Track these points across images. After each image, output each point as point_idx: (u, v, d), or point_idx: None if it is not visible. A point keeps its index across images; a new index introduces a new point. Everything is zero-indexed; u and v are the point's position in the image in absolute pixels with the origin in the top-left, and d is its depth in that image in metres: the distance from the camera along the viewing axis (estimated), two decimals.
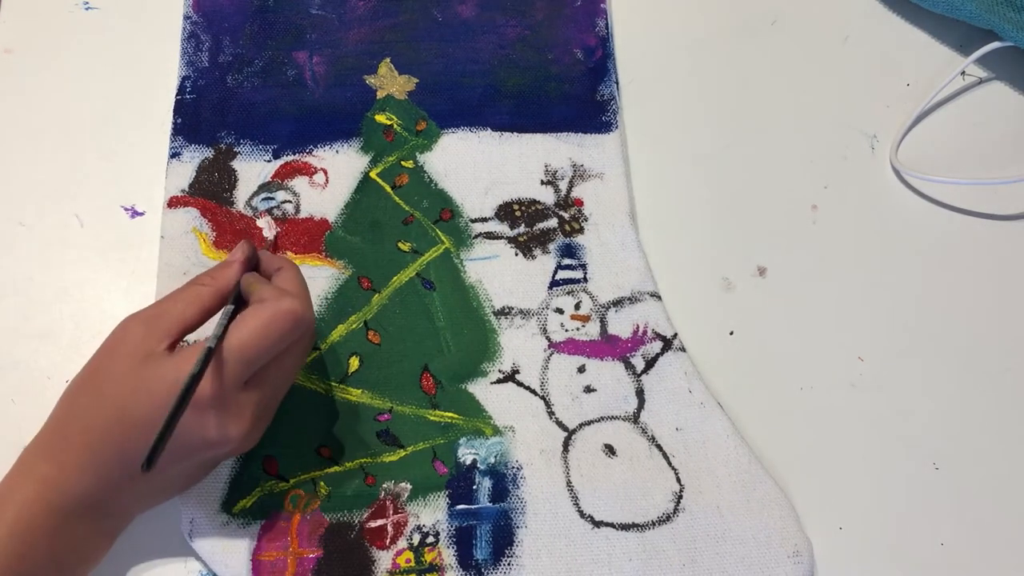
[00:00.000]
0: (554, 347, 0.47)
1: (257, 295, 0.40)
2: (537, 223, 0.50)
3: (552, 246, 0.49)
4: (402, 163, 0.51)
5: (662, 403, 0.46)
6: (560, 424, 0.45)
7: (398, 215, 0.50)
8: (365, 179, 0.51)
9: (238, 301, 0.41)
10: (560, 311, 0.48)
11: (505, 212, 0.50)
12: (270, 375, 0.40)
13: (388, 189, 0.51)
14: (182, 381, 0.36)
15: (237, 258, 0.42)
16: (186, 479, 0.42)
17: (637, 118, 0.54)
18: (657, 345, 0.47)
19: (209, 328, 0.40)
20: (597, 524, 0.43)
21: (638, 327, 0.48)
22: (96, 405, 0.37)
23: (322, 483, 0.44)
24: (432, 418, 0.45)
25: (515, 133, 0.52)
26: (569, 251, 0.49)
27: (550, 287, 0.48)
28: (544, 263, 0.49)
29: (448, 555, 0.42)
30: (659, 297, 0.48)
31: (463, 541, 0.43)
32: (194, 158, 0.51)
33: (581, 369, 0.47)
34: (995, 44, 0.53)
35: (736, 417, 0.46)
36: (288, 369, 0.41)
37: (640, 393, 0.46)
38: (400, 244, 0.49)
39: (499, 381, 0.46)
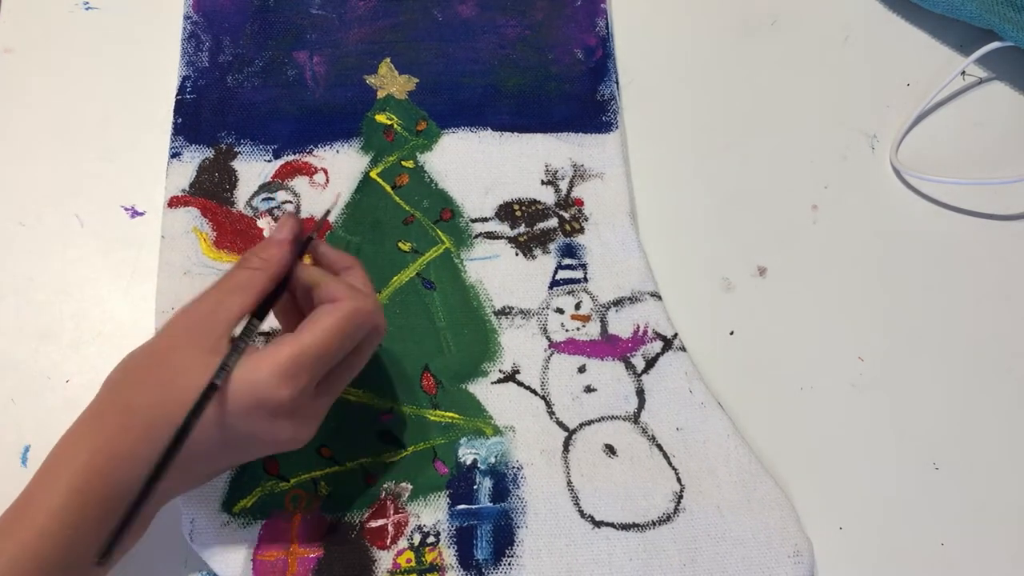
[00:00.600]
0: (554, 347, 0.47)
1: (327, 292, 0.39)
2: (537, 223, 0.50)
3: (552, 246, 0.49)
4: (402, 163, 0.51)
5: (662, 403, 0.46)
6: (560, 424, 0.45)
7: (398, 215, 0.50)
8: (365, 179, 0.51)
9: (270, 299, 0.39)
10: (560, 311, 0.48)
11: (505, 212, 0.50)
12: (339, 377, 0.39)
13: (388, 189, 0.51)
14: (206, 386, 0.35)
15: (284, 236, 0.40)
16: (224, 469, 0.41)
17: (637, 118, 0.54)
18: (657, 345, 0.47)
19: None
20: (597, 524, 0.43)
21: (638, 327, 0.48)
22: (163, 396, 0.36)
23: (323, 483, 0.44)
24: (433, 418, 0.45)
25: (515, 133, 0.52)
26: (569, 251, 0.49)
27: (550, 287, 0.48)
28: (544, 263, 0.49)
29: (449, 555, 0.42)
30: (659, 297, 0.48)
31: (464, 541, 0.43)
32: (194, 158, 0.51)
33: (581, 369, 0.47)
34: (995, 44, 0.53)
35: (736, 417, 0.46)
36: (355, 369, 0.41)
37: (640, 393, 0.46)
38: (400, 244, 0.49)
39: (500, 381, 0.46)
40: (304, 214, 0.50)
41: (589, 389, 0.46)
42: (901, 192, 0.52)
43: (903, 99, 0.55)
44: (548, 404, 0.46)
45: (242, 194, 0.50)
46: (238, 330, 0.38)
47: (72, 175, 0.51)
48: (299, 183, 0.51)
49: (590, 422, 0.45)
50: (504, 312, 0.48)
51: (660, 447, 0.45)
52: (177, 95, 0.53)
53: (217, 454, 0.37)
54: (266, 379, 0.36)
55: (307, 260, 0.42)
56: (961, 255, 0.51)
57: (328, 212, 0.44)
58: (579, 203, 0.50)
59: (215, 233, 0.49)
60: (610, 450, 0.45)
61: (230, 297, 0.38)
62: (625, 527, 0.43)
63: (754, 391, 0.47)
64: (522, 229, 0.50)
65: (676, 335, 0.47)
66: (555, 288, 0.48)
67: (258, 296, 0.38)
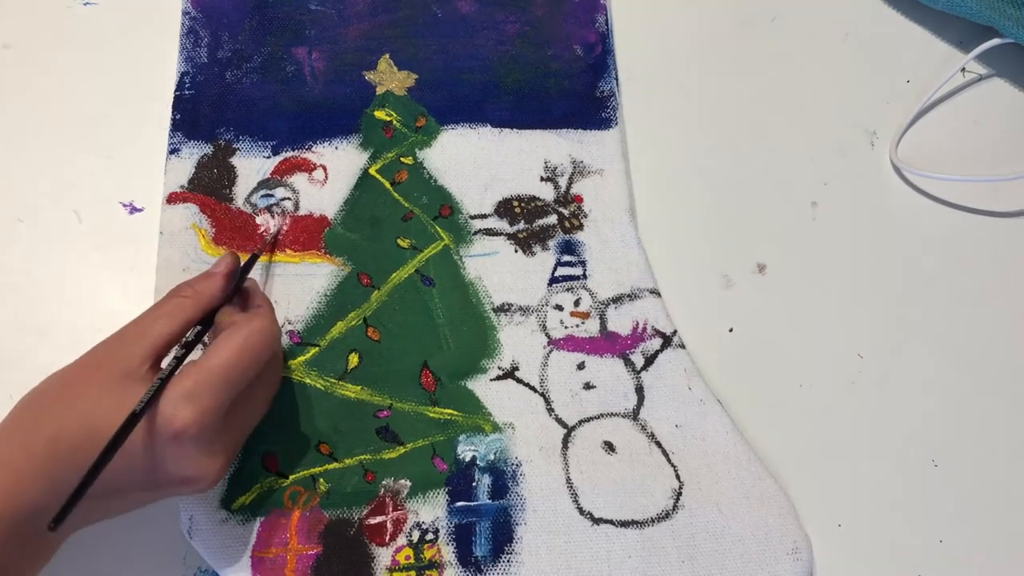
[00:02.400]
0: (553, 344, 0.47)
1: (227, 322, 0.40)
2: (537, 219, 0.50)
3: (552, 243, 0.49)
4: (401, 159, 0.51)
5: (662, 400, 0.46)
6: (560, 421, 0.45)
7: (397, 211, 0.50)
8: (364, 176, 0.51)
9: (207, 324, 0.40)
10: (560, 308, 0.48)
11: (505, 208, 0.50)
12: (245, 408, 0.40)
13: (387, 185, 0.50)
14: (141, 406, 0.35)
15: (220, 270, 0.42)
16: (138, 505, 0.40)
17: (637, 114, 0.54)
18: (657, 342, 0.47)
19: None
20: (596, 521, 0.43)
21: (637, 324, 0.48)
22: (69, 418, 0.36)
23: (321, 480, 0.44)
24: (431, 415, 0.45)
25: (515, 129, 0.52)
26: (569, 248, 0.49)
27: (549, 284, 0.48)
28: (543, 260, 0.49)
29: (448, 552, 0.42)
30: (659, 294, 0.48)
31: (463, 538, 0.43)
32: (193, 154, 0.51)
33: (581, 366, 0.47)
34: (995, 41, 0.53)
35: (735, 414, 0.46)
36: (260, 403, 0.41)
37: (640, 390, 0.46)
38: (399, 241, 0.49)
39: (499, 378, 0.46)
40: (303, 211, 0.50)
41: (588, 386, 0.46)
42: (901, 189, 0.52)
43: (903, 96, 0.55)
44: (547, 401, 0.46)
45: (241, 190, 0.50)
46: (166, 362, 0.38)
47: (70, 171, 0.51)
48: (298, 179, 0.50)
49: (589, 419, 0.45)
50: (503, 309, 0.48)
51: (659, 444, 0.45)
52: (176, 91, 0.52)
53: (124, 483, 0.37)
54: (169, 402, 0.36)
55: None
56: (961, 252, 0.51)
57: (274, 238, 0.47)
58: (578, 200, 0.50)
59: (214, 229, 0.49)
60: (609, 447, 0.45)
61: (155, 324, 0.38)
62: (624, 524, 0.43)
63: (753, 388, 0.47)
64: (521, 226, 0.50)
65: (675, 332, 0.47)
66: (554, 285, 0.48)
67: (184, 323, 0.39)
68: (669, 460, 0.44)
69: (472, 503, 0.43)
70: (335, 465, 0.44)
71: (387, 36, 0.54)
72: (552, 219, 0.50)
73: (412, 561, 0.42)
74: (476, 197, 0.50)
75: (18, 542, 0.36)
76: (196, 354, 0.41)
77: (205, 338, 0.41)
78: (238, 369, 0.37)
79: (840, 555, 0.44)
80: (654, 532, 0.43)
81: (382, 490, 0.44)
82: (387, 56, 0.54)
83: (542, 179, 0.51)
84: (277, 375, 0.43)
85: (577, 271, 0.49)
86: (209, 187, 0.50)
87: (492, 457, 0.44)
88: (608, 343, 0.47)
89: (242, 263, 0.44)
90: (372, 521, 0.43)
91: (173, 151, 0.51)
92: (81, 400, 0.36)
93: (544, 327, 0.47)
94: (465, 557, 0.42)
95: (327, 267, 0.48)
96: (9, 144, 0.52)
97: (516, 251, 0.49)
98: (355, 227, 0.49)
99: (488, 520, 0.43)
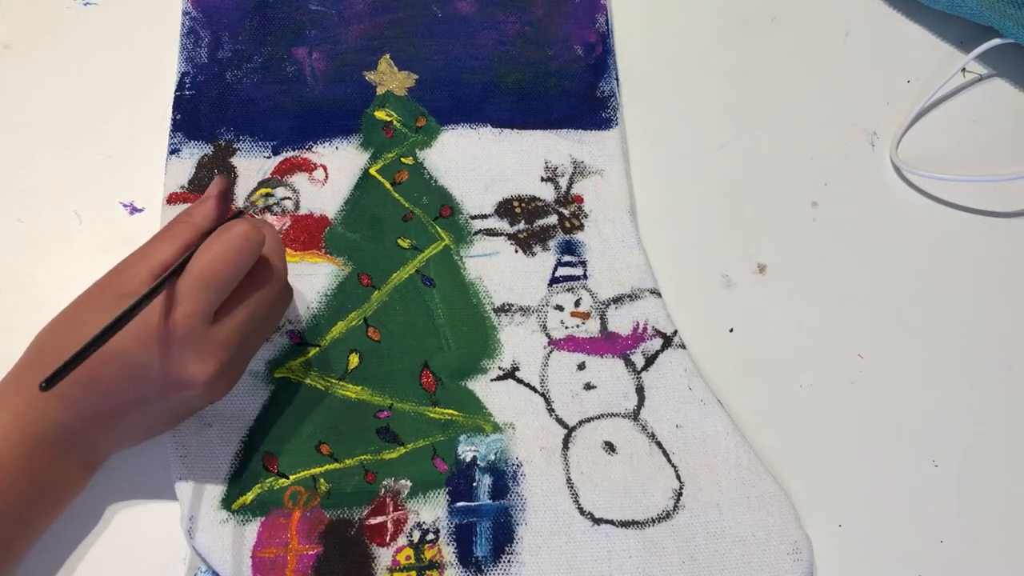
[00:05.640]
0: (554, 344, 0.47)
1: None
2: (537, 220, 0.50)
3: (552, 243, 0.49)
4: (402, 159, 0.51)
5: (662, 400, 0.46)
6: (560, 421, 0.45)
7: (398, 212, 0.50)
8: (365, 176, 0.51)
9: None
10: (560, 308, 0.48)
11: (505, 209, 0.50)
12: (237, 314, 0.40)
13: (388, 186, 0.50)
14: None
15: (213, 194, 0.42)
16: (158, 423, 0.42)
17: (637, 114, 0.54)
18: (657, 342, 0.47)
19: None
20: (597, 521, 0.43)
21: (638, 324, 0.48)
22: (73, 337, 0.37)
23: (322, 480, 0.44)
24: (432, 415, 0.45)
25: (515, 129, 0.52)
26: (569, 248, 0.49)
27: (550, 284, 0.48)
28: (544, 260, 0.49)
29: (448, 552, 0.42)
30: (659, 294, 0.48)
31: (463, 538, 0.43)
32: (193, 154, 0.51)
33: (581, 366, 0.47)
34: (995, 41, 0.53)
35: (736, 414, 0.46)
36: (257, 312, 0.41)
37: (640, 390, 0.46)
38: (400, 241, 0.49)
39: (499, 378, 0.46)
40: (303, 210, 0.50)
41: (589, 386, 0.46)
42: (901, 189, 0.52)
43: (903, 96, 0.55)
44: (548, 401, 0.46)
45: (241, 190, 0.50)
46: None
47: (71, 172, 0.51)
48: (298, 179, 0.50)
49: (590, 419, 0.45)
50: (504, 309, 0.48)
51: (660, 444, 0.45)
52: (176, 91, 0.52)
53: (124, 388, 0.38)
54: (156, 306, 0.37)
55: None
56: (961, 252, 0.51)
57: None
58: (579, 200, 0.50)
59: None
60: (609, 447, 0.45)
61: (154, 248, 0.39)
62: (624, 524, 0.43)
63: (753, 388, 0.47)
64: (522, 226, 0.50)
65: (676, 332, 0.47)
66: (555, 285, 0.48)
67: (182, 247, 0.39)
68: (670, 460, 0.44)
69: (473, 503, 0.43)
70: (336, 465, 0.44)
71: (387, 36, 0.54)
72: (552, 219, 0.50)
73: (413, 561, 0.42)
74: (476, 197, 0.50)
75: (46, 461, 0.39)
76: None
77: None
78: (218, 272, 0.38)
79: (840, 555, 0.44)
80: (655, 532, 0.43)
81: (383, 490, 0.44)
82: (387, 56, 0.54)
83: (542, 179, 0.51)
84: (278, 296, 0.42)
85: (577, 271, 0.49)
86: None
87: (493, 457, 0.44)
88: (608, 343, 0.47)
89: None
90: (373, 521, 0.43)
91: (173, 151, 0.51)
92: (84, 321, 0.38)
93: (544, 327, 0.47)
94: (466, 557, 0.42)
95: (327, 267, 0.48)
96: (9, 144, 0.52)
97: (516, 251, 0.49)
98: (356, 227, 0.49)
99: (489, 520, 0.43)
